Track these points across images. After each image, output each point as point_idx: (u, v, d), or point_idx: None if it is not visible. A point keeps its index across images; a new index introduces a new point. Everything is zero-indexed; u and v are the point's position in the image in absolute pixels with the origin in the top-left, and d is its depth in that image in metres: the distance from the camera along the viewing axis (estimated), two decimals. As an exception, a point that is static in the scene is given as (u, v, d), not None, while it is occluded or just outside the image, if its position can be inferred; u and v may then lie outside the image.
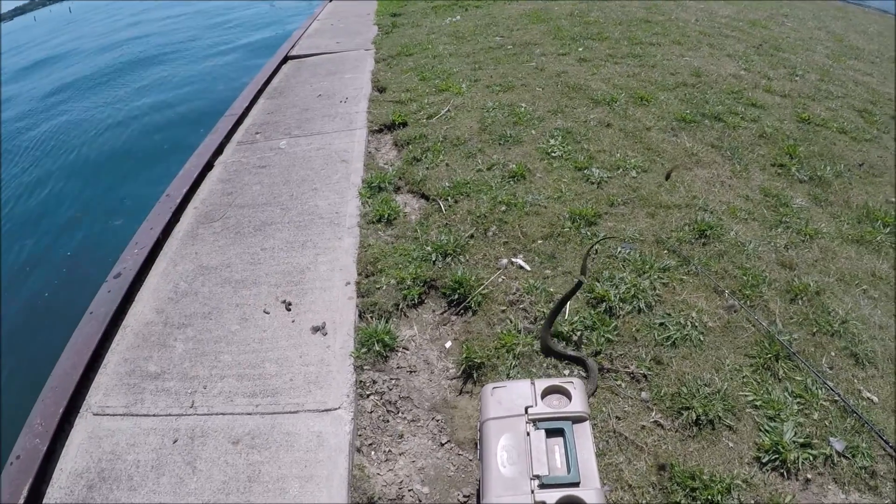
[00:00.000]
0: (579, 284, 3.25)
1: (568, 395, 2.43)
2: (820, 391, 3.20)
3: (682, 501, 2.65)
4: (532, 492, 2.09)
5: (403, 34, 10.81)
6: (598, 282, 3.91)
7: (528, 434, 2.27)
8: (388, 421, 3.18)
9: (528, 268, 4.10)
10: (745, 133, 6.22)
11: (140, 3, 22.09)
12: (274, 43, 13.37)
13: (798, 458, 2.83)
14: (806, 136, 6.31)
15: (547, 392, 2.46)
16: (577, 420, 2.32)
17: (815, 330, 3.65)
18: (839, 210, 5.04)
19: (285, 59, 9.68)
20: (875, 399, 3.25)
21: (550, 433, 2.28)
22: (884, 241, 4.67)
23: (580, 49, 9.00)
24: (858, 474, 2.82)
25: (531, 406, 2.38)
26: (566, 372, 3.33)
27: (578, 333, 3.53)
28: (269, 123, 6.83)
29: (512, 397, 2.44)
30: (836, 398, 3.17)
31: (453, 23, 11.40)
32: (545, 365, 3.33)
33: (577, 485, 2.09)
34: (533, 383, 2.49)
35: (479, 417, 2.46)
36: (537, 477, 2.12)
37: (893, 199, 5.37)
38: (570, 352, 3.39)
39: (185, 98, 12.39)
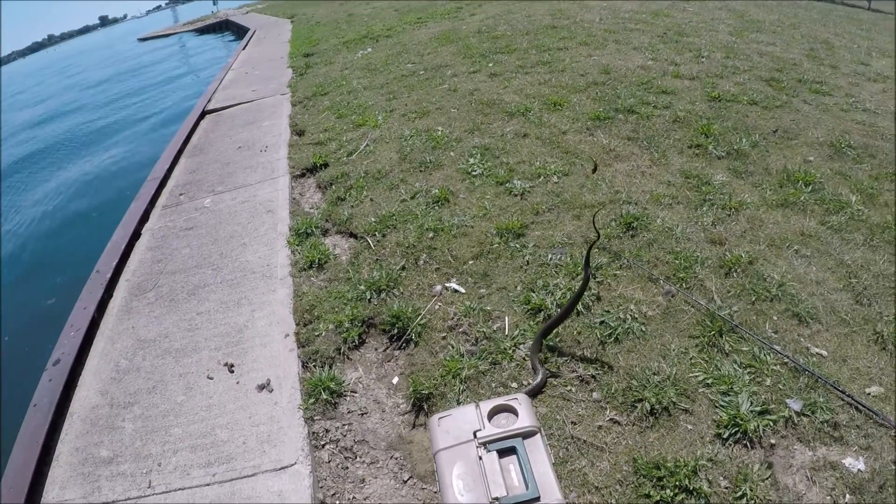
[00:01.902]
0: (586, 281, 3.28)
1: (515, 412, 2.47)
2: (769, 357, 3.28)
3: (652, 493, 2.67)
4: None
5: (317, 73, 10.92)
6: (534, 292, 3.95)
7: (480, 458, 2.30)
8: (347, 468, 3.15)
9: (462, 290, 4.12)
10: (659, 121, 6.39)
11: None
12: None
13: (758, 426, 2.89)
14: (718, 114, 6.50)
15: (493, 412, 2.50)
16: (528, 435, 2.37)
17: (753, 299, 3.75)
18: (760, 178, 5.20)
19: (203, 114, 9.73)
20: (824, 353, 3.34)
21: (503, 453, 2.31)
22: (807, 199, 4.84)
23: (490, 64, 9.18)
24: (821, 429, 2.89)
25: (479, 430, 2.42)
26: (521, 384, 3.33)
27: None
28: (192, 183, 6.81)
29: (459, 424, 2.47)
30: (786, 360, 3.24)
31: (365, 55, 11.56)
32: (493, 385, 3.34)
33: (537, 499, 2.12)
34: (478, 406, 2.52)
35: (431, 450, 2.45)
36: (496, 500, 2.13)
37: (811, 158, 5.52)
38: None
39: (110, 166, 12.28)
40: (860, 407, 2.96)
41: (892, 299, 3.75)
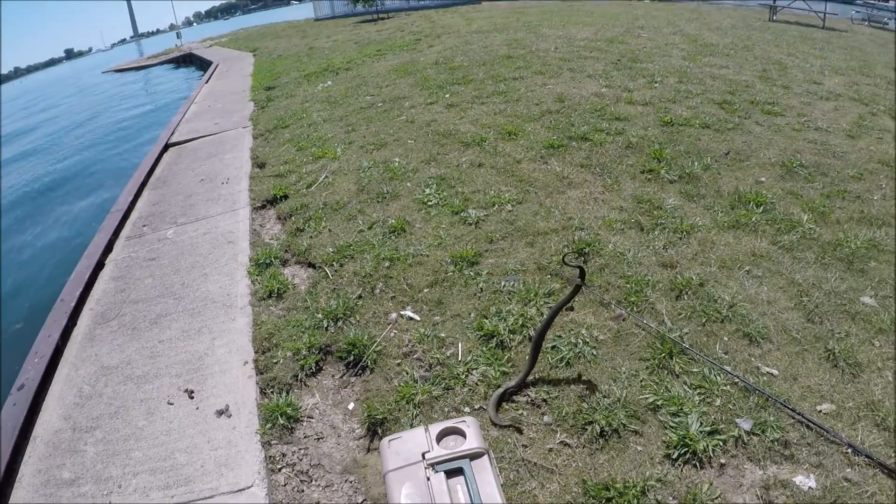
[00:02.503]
0: (577, 288, 3.31)
1: (463, 434, 2.50)
2: (719, 377, 3.33)
3: (601, 514, 2.68)
4: None
5: (279, 107, 10.99)
6: (487, 318, 3.99)
7: (428, 479, 2.34)
8: (303, 490, 3.14)
9: (417, 318, 4.15)
10: (612, 147, 6.51)
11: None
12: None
13: (707, 446, 2.92)
14: (671, 138, 6.62)
15: (442, 435, 2.52)
16: (475, 456, 2.40)
17: (704, 320, 3.81)
18: (712, 201, 5.30)
19: (166, 147, 9.77)
20: (775, 372, 3.40)
21: (451, 473, 2.34)
22: (759, 220, 4.94)
23: (447, 95, 9.29)
24: (771, 448, 2.93)
25: (427, 451, 2.45)
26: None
27: None
28: (155, 214, 6.82)
29: (408, 446, 2.50)
30: (736, 380, 3.29)
31: (325, 88, 11.64)
32: (446, 409, 3.35)
33: None
34: (427, 429, 2.54)
35: (382, 471, 2.47)
36: None
37: (763, 179, 5.62)
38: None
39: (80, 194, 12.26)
40: (811, 425, 3.01)
41: (843, 316, 3.83)
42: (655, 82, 8.95)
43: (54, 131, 19.30)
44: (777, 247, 4.59)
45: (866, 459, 2.82)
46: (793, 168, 5.93)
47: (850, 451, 2.87)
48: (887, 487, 2.71)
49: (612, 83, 8.98)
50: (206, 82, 16.15)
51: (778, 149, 6.44)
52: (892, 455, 2.85)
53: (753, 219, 4.92)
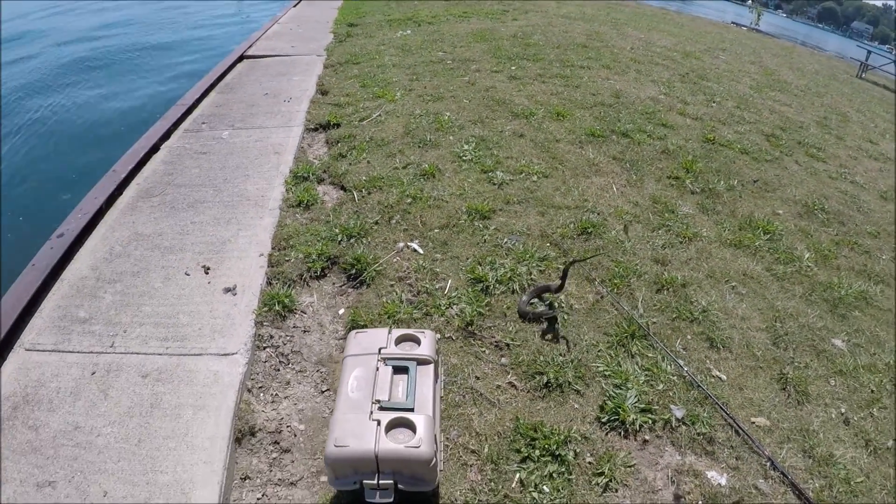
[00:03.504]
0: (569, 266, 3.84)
1: (418, 342, 2.81)
2: (669, 367, 3.54)
3: (522, 449, 2.93)
4: (371, 412, 2.42)
5: (356, 43, 11.15)
6: (480, 265, 4.26)
7: (377, 368, 2.65)
8: (278, 370, 3.47)
9: (420, 251, 4.43)
10: (649, 149, 6.65)
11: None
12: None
13: (636, 420, 3.15)
14: (707, 154, 6.74)
15: (401, 339, 2.86)
16: (423, 362, 2.72)
17: (674, 316, 4.01)
18: (724, 218, 5.45)
19: (241, 59, 9.95)
20: (724, 377, 3.59)
21: (398, 370, 2.67)
22: (762, 246, 5.08)
23: (513, 68, 9.41)
24: (696, 439, 3.14)
25: (384, 347, 2.76)
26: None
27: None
28: (216, 115, 7.10)
29: (371, 340, 2.85)
30: (684, 373, 3.49)
31: (404, 36, 11.75)
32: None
33: (411, 410, 2.45)
34: (391, 331, 2.87)
35: (343, 354, 2.78)
36: (378, 401, 2.46)
37: (780, 212, 5.75)
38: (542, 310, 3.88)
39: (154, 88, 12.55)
40: (740, 430, 3.21)
41: (809, 350, 3.98)
42: (714, 102, 9.01)
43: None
44: (770, 273, 4.74)
45: (781, 476, 3.00)
46: (813, 209, 6.03)
47: (769, 464, 3.05)
48: (791, 507, 2.89)
49: (672, 93, 9.05)
50: (295, 6, 16.24)
51: (806, 189, 6.53)
52: (808, 480, 3.04)
53: (757, 243, 5.07)
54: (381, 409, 2.47)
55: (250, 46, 10.70)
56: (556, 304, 3.97)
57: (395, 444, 2.36)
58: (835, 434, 3.37)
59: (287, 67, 9.38)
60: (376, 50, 10.42)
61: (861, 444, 3.35)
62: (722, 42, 17.55)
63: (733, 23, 34.77)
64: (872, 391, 3.77)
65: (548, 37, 12.19)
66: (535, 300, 3.99)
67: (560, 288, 3.88)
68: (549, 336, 3.69)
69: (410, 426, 2.43)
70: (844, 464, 3.16)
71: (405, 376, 2.64)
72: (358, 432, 2.38)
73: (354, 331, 2.93)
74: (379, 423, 2.42)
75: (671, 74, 10.39)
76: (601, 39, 12.65)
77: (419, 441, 2.36)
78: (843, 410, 3.56)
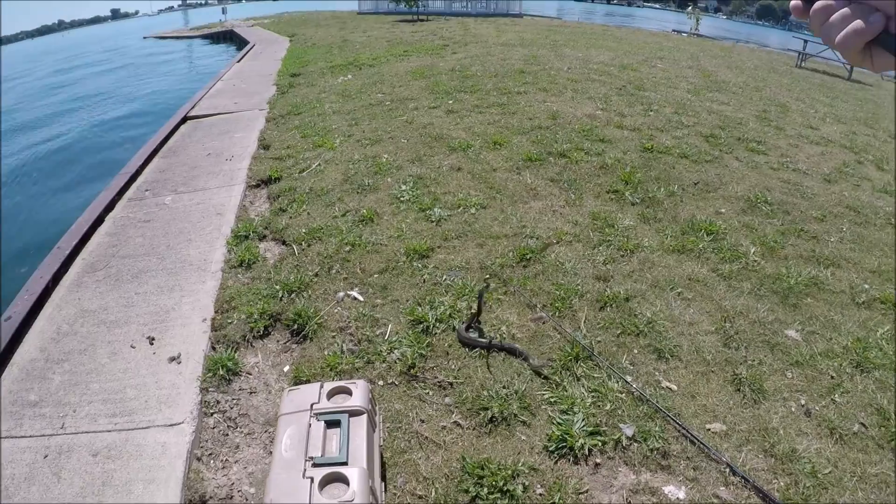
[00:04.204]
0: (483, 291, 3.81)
1: (350, 393, 2.73)
2: (617, 385, 3.45)
3: (471, 489, 2.83)
4: (304, 470, 2.36)
5: (298, 94, 11.18)
6: (420, 306, 4.18)
7: (310, 425, 2.58)
8: (227, 435, 3.37)
9: (361, 298, 4.35)
10: (587, 166, 6.65)
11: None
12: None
13: (585, 444, 3.05)
14: (646, 164, 6.74)
15: (333, 392, 2.78)
16: (355, 413, 2.64)
17: (619, 332, 3.94)
18: (665, 225, 5.42)
19: (184, 120, 10.00)
20: (674, 387, 3.51)
21: (330, 424, 2.59)
22: (706, 247, 5.04)
23: (451, 101, 9.45)
24: (650, 455, 3.04)
25: (316, 403, 2.69)
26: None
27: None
28: (159, 181, 7.08)
29: (303, 397, 2.77)
30: (633, 390, 3.40)
31: (344, 82, 11.81)
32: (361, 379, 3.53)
33: (344, 464, 2.38)
34: (322, 385, 2.79)
35: (277, 415, 2.70)
36: (311, 458, 2.39)
37: (723, 210, 5.73)
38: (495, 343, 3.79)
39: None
40: (695, 440, 3.12)
41: (762, 346, 3.92)
42: (651, 110, 9.06)
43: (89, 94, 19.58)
44: (716, 274, 4.69)
45: (743, 481, 2.91)
46: (756, 203, 6.02)
47: (728, 470, 2.96)
48: (757, 511, 2.81)
49: (609, 107, 9.09)
50: (238, 61, 16.37)
51: (748, 184, 6.53)
52: (772, 481, 2.96)
53: (700, 245, 5.03)
54: (315, 465, 2.39)
55: (193, 106, 10.74)
56: (485, 333, 3.91)
57: (328, 500, 2.28)
58: (796, 428, 3.29)
59: (230, 125, 9.39)
60: (317, 98, 10.44)
61: (825, 434, 3.28)
62: (660, 51, 17.75)
63: (673, 31, 35.32)
64: (832, 377, 3.72)
65: (486, 66, 12.27)
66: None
67: (477, 314, 3.83)
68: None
69: (344, 480, 2.35)
70: (809, 457, 3.09)
71: (337, 429, 2.57)
72: (291, 491, 2.31)
73: (287, 389, 2.86)
74: (312, 480, 2.34)
75: (608, 89, 10.45)
76: (539, 63, 12.75)
77: (353, 495, 2.28)
78: (802, 402, 3.50)
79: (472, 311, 3.98)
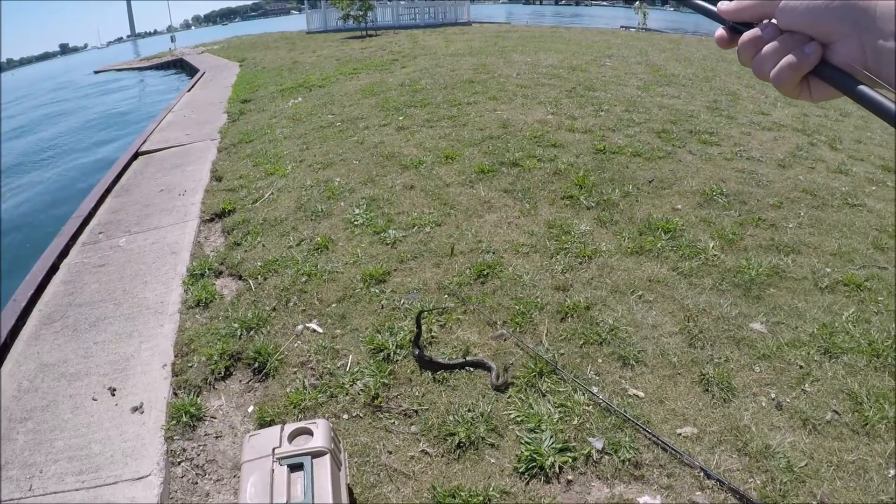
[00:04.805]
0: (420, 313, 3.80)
1: (312, 433, 2.67)
2: (583, 397, 3.41)
3: (443, 520, 2.79)
4: None
5: (248, 121, 11.11)
6: (380, 333, 4.11)
7: (273, 470, 2.55)
8: (196, 483, 3.30)
9: (320, 330, 4.29)
10: (540, 173, 6.64)
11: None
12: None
13: (556, 462, 3.01)
14: (599, 165, 6.75)
15: (294, 434, 2.74)
16: (318, 455, 2.61)
17: (582, 342, 3.90)
18: (622, 227, 5.41)
19: (136, 156, 9.90)
20: (641, 394, 3.48)
21: (293, 468, 2.56)
22: (664, 246, 5.04)
23: (401, 118, 9.42)
24: (622, 467, 3.00)
25: (277, 447, 2.64)
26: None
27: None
28: (113, 222, 6.98)
29: (263, 442, 2.72)
30: (599, 401, 3.36)
31: (295, 105, 11.76)
32: (326, 415, 3.48)
33: None
34: (283, 428, 2.74)
35: (240, 462, 2.65)
36: None
37: (679, 207, 5.73)
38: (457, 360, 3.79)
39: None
40: (666, 446, 3.09)
41: (727, 342, 3.92)
42: (602, 111, 9.10)
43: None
44: (676, 273, 4.69)
45: (718, 483, 2.89)
46: (712, 196, 6.05)
47: (702, 474, 2.94)
48: (735, 512, 2.79)
49: (560, 111, 9.12)
50: (189, 90, 16.29)
51: (703, 177, 6.57)
52: (748, 480, 2.94)
53: (658, 245, 5.03)
54: (281, 511, 2.36)
55: (144, 141, 10.66)
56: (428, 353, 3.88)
57: (297, 544, 2.25)
58: (768, 423, 3.29)
59: (181, 158, 9.32)
60: (268, 124, 10.39)
61: (798, 426, 3.27)
62: (609, 49, 17.91)
63: (622, 27, 35.74)
64: (801, 367, 3.72)
65: (435, 79, 12.29)
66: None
67: (417, 337, 3.79)
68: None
69: (312, 523, 2.33)
70: (783, 452, 3.08)
71: (301, 472, 2.54)
72: (261, 539, 2.28)
73: (248, 435, 2.80)
74: (280, 526, 2.31)
75: (558, 92, 10.50)
76: (488, 71, 12.79)
77: (320, 536, 2.25)
78: (773, 396, 3.49)
79: (414, 332, 3.94)
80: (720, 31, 0.78)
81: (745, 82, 12.94)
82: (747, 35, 0.73)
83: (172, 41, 43.35)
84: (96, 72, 41.38)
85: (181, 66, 32.61)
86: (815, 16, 0.66)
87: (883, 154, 8.18)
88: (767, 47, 0.70)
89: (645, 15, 35.08)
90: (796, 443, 3.15)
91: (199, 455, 3.45)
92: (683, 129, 8.32)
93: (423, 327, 4.03)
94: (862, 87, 0.62)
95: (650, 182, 6.35)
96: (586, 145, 7.46)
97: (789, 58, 0.68)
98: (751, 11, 0.73)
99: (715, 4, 0.78)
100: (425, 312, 4.16)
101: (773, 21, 0.71)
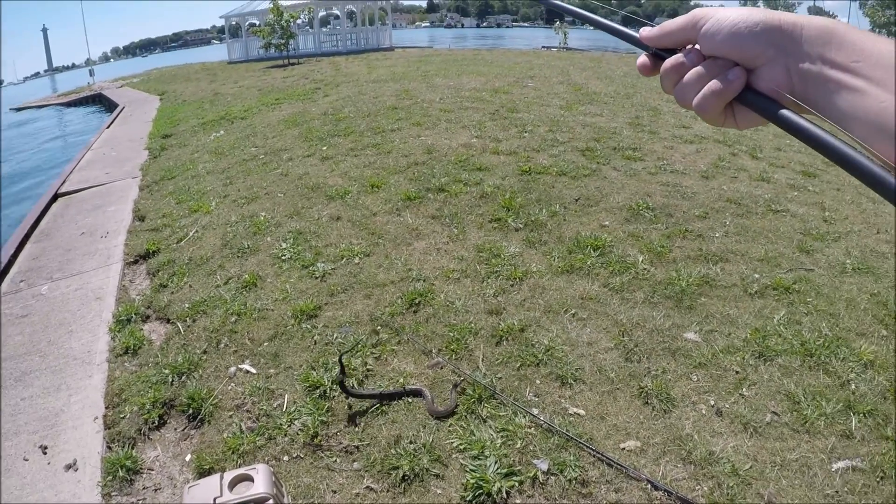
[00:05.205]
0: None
1: (252, 480, 2.63)
2: (524, 420, 3.41)
3: (390, 560, 2.75)
4: None
5: (170, 156, 10.93)
6: (314, 370, 4.05)
7: None
8: None
9: (254, 371, 4.20)
10: (466, 198, 6.67)
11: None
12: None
13: (502, 488, 2.99)
14: (525, 187, 6.82)
15: (236, 481, 2.70)
16: (260, 502, 2.58)
17: (519, 365, 3.91)
18: (552, 247, 5.47)
19: (55, 197, 9.60)
20: (582, 412, 3.51)
21: None
22: (594, 263, 5.10)
23: (325, 148, 9.38)
24: (569, 487, 3.01)
25: (218, 497, 2.61)
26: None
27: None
28: (34, 269, 6.74)
29: (203, 492, 2.66)
30: (541, 422, 3.37)
31: (217, 138, 11.61)
32: (266, 458, 3.40)
33: None
34: (222, 476, 2.69)
35: None
36: None
37: (607, 223, 5.81)
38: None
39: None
40: (611, 462, 3.11)
41: (663, 354, 3.98)
42: (526, 132, 9.22)
43: None
44: (607, 289, 4.75)
45: (666, 494, 2.92)
46: (639, 211, 6.16)
47: (649, 486, 2.97)
48: (684, 521, 2.82)
49: (484, 133, 9.21)
50: (108, 127, 15.98)
51: (629, 193, 6.69)
52: (695, 488, 2.98)
53: (588, 262, 5.09)
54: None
55: (64, 182, 10.39)
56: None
57: None
58: (710, 430, 3.35)
59: (102, 198, 9.10)
60: (190, 159, 10.24)
61: (739, 430, 3.35)
62: (531, 70, 18.17)
63: (543, 47, 36.31)
64: (737, 372, 3.81)
65: (358, 107, 12.29)
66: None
67: (341, 372, 3.73)
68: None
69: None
70: (727, 456, 3.14)
71: (248, 520, 2.48)
72: None
73: (187, 486, 2.73)
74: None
75: (481, 115, 10.60)
76: (411, 97, 12.85)
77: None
78: (712, 403, 3.56)
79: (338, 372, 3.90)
80: (642, 57, 0.76)
81: (666, 98, 13.18)
82: (670, 61, 0.72)
83: (91, 75, 42.42)
84: (15, 109, 40.30)
85: (100, 101, 31.99)
86: (738, 40, 0.65)
87: (802, 160, 8.48)
88: (690, 74, 0.69)
89: (565, 35, 35.75)
90: (739, 447, 3.21)
91: (138, 511, 3.36)
92: (607, 147, 8.47)
93: (359, 360, 4.01)
94: (786, 112, 0.62)
95: (577, 200, 6.44)
96: (512, 167, 7.54)
97: (713, 84, 0.66)
98: (674, 37, 0.72)
99: (637, 31, 0.77)
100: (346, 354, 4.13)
101: (697, 47, 0.70)
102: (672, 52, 0.72)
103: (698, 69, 0.68)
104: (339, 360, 3.72)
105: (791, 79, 0.63)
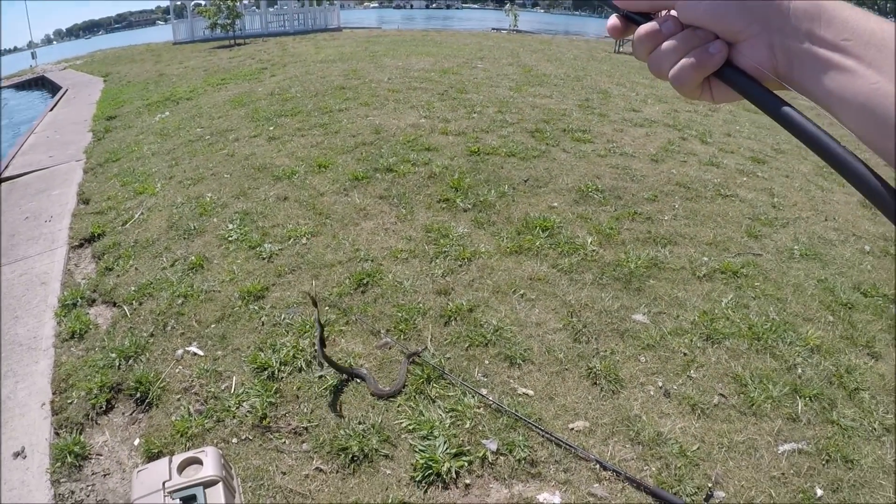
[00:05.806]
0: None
1: (201, 463, 2.63)
2: (472, 400, 3.44)
3: (340, 539, 2.76)
4: None
5: (114, 138, 10.65)
6: (262, 351, 4.02)
7: None
8: None
9: (201, 353, 4.17)
10: (415, 178, 6.66)
11: None
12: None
13: (451, 468, 3.02)
14: (474, 167, 6.83)
15: (185, 465, 2.69)
16: (210, 484, 2.57)
17: (467, 345, 3.94)
18: (500, 228, 5.49)
19: (-2, 182, 9.32)
20: (531, 392, 3.55)
21: (186, 500, 2.50)
22: (543, 244, 5.14)
23: (272, 128, 9.26)
24: (518, 466, 3.05)
25: (167, 480, 2.57)
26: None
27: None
28: (-22, 256, 6.55)
29: (152, 476, 2.63)
30: (490, 403, 3.39)
31: (162, 119, 11.37)
32: (215, 441, 3.38)
33: None
34: (171, 460, 2.67)
35: (130, 500, 2.56)
36: None
37: (556, 205, 5.85)
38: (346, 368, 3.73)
39: None
40: (560, 442, 3.15)
41: (612, 335, 4.03)
42: (475, 113, 9.23)
43: None
44: (556, 269, 4.80)
45: (615, 474, 2.97)
46: (588, 193, 6.22)
47: (598, 466, 3.02)
48: (634, 500, 2.87)
49: (433, 114, 9.20)
50: (51, 110, 15.56)
51: (578, 175, 6.74)
52: (643, 468, 3.03)
53: (537, 243, 5.13)
54: (178, 545, 2.29)
55: (7, 166, 10.09)
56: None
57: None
58: (658, 411, 3.42)
59: (46, 182, 8.87)
60: (135, 141, 10.02)
61: (687, 412, 3.42)
62: (481, 51, 18.16)
63: (493, 29, 36.30)
64: (685, 354, 3.89)
65: (306, 86, 12.16)
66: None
67: (321, 343, 3.67)
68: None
69: (209, 554, 2.27)
70: (675, 438, 3.21)
71: (194, 504, 2.47)
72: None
73: (136, 470, 2.70)
74: (177, 561, 2.25)
75: (430, 96, 10.57)
76: (359, 77, 12.76)
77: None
78: (660, 384, 3.63)
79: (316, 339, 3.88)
80: (613, 19, 0.71)
81: (616, 80, 13.40)
82: (644, 28, 0.67)
83: (33, 58, 41.37)
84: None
85: (43, 84, 31.26)
86: (721, 12, 0.61)
87: (752, 146, 8.66)
88: (667, 44, 0.65)
89: (516, 17, 35.76)
90: (687, 428, 3.29)
91: (88, 496, 3.30)
92: (556, 128, 8.52)
93: (306, 341, 4.00)
94: (768, 94, 0.60)
95: (526, 181, 6.47)
96: (460, 147, 7.55)
97: (692, 57, 0.63)
98: (647, 2, 0.68)
99: None
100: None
101: (674, 13, 0.65)
102: (647, 16, 0.68)
103: (676, 39, 0.64)
104: (319, 323, 3.67)
105: (775, 56, 0.60)
